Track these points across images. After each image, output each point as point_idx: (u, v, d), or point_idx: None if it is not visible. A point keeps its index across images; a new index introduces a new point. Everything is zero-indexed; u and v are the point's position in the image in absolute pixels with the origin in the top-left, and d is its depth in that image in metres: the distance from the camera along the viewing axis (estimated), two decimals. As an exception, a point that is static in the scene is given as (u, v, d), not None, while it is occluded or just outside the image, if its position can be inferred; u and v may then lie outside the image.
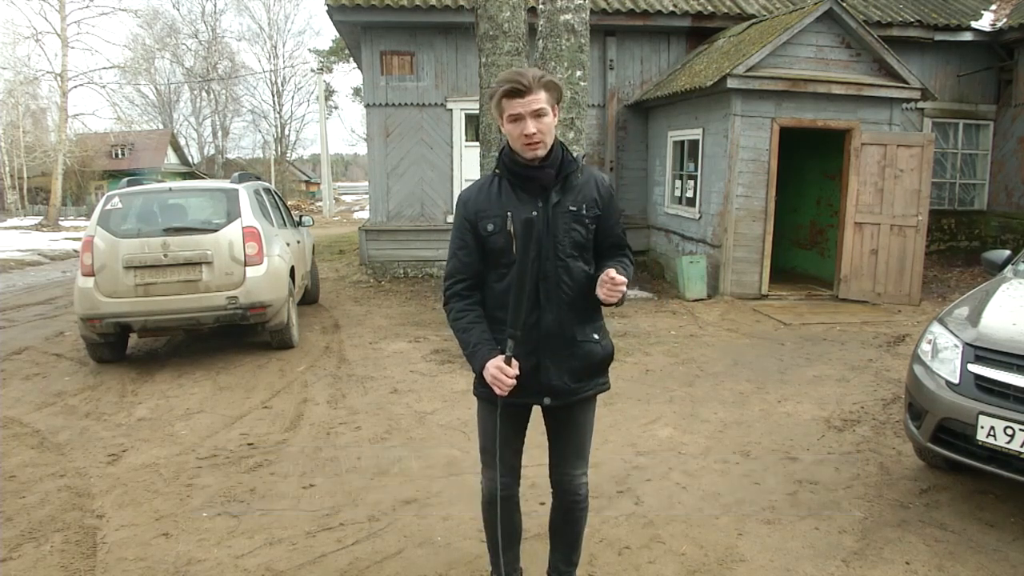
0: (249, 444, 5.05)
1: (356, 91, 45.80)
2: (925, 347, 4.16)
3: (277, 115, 54.91)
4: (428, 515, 3.96)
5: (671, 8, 12.19)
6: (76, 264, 8.61)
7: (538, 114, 2.45)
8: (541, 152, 2.52)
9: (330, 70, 46.51)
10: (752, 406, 5.69)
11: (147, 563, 3.55)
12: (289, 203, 9.39)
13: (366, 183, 17.56)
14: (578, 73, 7.22)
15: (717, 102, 9.97)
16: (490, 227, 2.59)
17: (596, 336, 2.68)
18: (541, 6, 7.35)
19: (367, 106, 12.72)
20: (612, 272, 2.44)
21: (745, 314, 9.06)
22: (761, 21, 11.40)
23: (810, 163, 11.58)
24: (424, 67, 12.25)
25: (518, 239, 2.53)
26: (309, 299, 10.09)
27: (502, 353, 2.51)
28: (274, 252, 7.39)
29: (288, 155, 58.24)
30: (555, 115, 2.54)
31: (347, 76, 67.62)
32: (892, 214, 9.66)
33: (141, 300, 6.85)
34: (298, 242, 8.96)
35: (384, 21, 11.84)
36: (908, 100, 10.21)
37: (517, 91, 2.43)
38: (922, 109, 12.64)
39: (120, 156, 46.22)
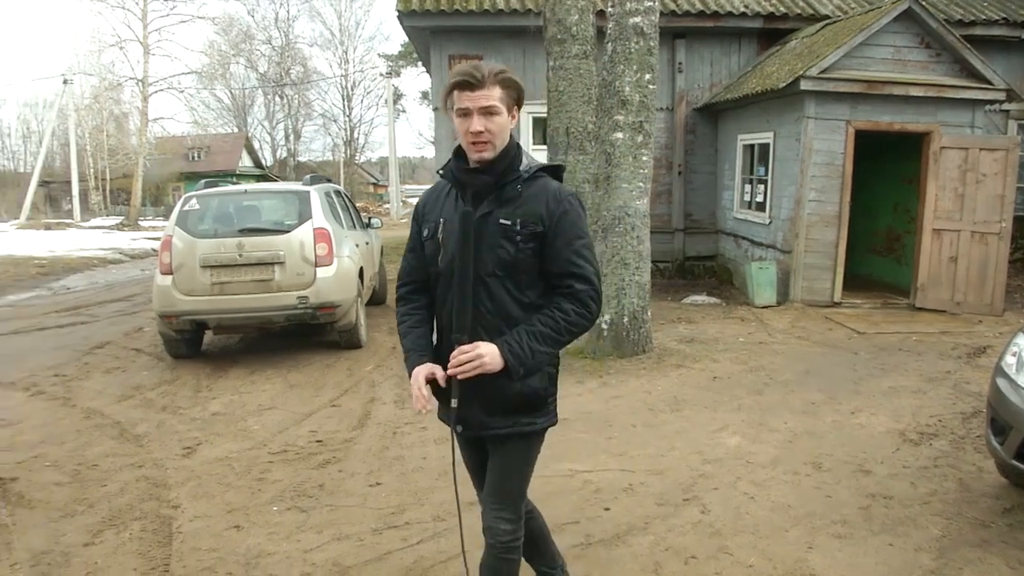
0: (318, 441, 5.15)
1: (424, 95, 46.39)
2: (1010, 359, 3.99)
3: (347, 119, 56.04)
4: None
5: (742, 9, 12.00)
6: (155, 262, 8.92)
7: (488, 111, 2.21)
8: (488, 154, 2.27)
9: (398, 74, 47.25)
10: (824, 416, 5.56)
11: (219, 554, 3.66)
12: (358, 205, 9.57)
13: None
14: (647, 76, 7.17)
15: (789, 105, 9.76)
16: (426, 232, 2.44)
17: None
18: (610, 9, 7.32)
19: (435, 109, 12.87)
20: (465, 345, 2.25)
21: (816, 322, 8.85)
22: (835, 22, 11.13)
23: (886, 167, 11.24)
24: (492, 71, 12.31)
25: (445, 247, 2.35)
26: (377, 300, 10.25)
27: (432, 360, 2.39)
28: (344, 253, 7.53)
29: (357, 158, 59.32)
30: (512, 116, 2.30)
31: (415, 80, 68.52)
32: (973, 220, 9.31)
33: (216, 298, 7.06)
34: (367, 243, 9.11)
35: (453, 26, 11.96)
36: (992, 102, 9.83)
37: (468, 84, 2.20)
38: (1007, 111, 12.14)
39: (197, 159, 47.76)
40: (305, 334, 8.46)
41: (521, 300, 2.32)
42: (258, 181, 37.19)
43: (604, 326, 7.19)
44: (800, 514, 3.96)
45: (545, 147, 10.93)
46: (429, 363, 2.41)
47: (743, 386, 6.33)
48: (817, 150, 9.42)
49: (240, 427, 5.54)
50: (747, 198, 11.44)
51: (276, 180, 38.46)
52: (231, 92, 52.52)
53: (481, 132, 2.22)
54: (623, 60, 7.14)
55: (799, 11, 12.21)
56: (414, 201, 56.80)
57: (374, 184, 63.88)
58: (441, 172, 2.43)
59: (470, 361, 2.24)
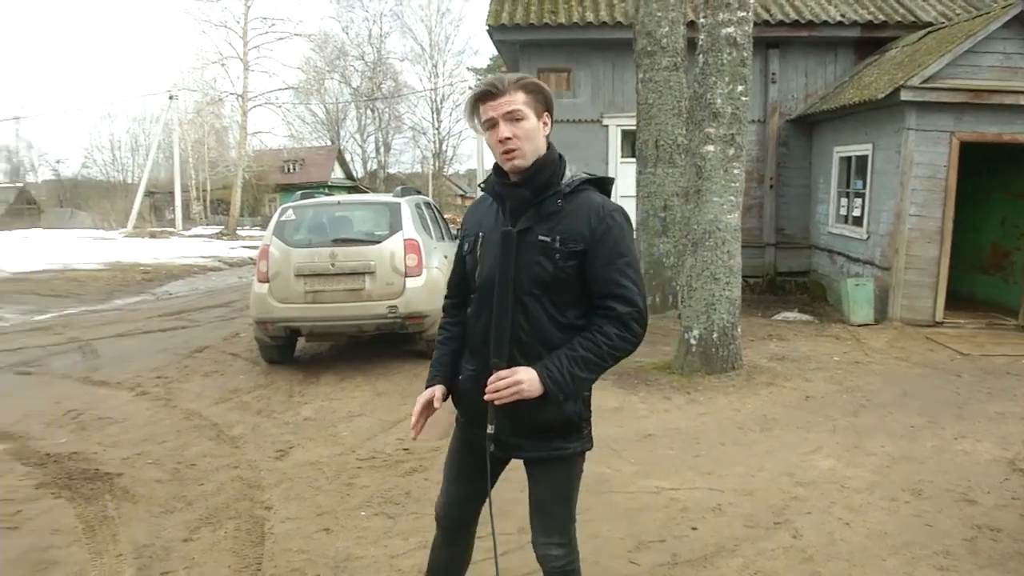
0: (405, 449, 5.23)
1: (512, 107, 46.68)
2: None
3: (436, 131, 56.95)
4: (577, 531, 3.93)
5: (839, 18, 11.67)
6: (252, 270, 9.27)
7: (513, 117, 2.16)
8: (519, 161, 2.19)
9: (487, 88, 47.66)
10: (924, 441, 5.31)
11: (309, 556, 3.75)
12: (446, 217, 9.71)
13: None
14: (739, 88, 7.04)
15: (889, 116, 9.42)
16: (466, 246, 2.40)
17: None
18: (702, 20, 7.22)
19: (523, 122, 12.93)
20: (504, 371, 2.17)
21: (916, 342, 8.48)
22: (939, 29, 10.70)
23: (993, 180, 10.71)
24: (580, 84, 12.34)
25: (482, 263, 2.29)
26: (463, 311, 10.34)
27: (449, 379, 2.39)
28: (433, 264, 7.65)
29: (445, 170, 60.21)
30: (544, 122, 2.23)
31: (503, 93, 69.15)
32: (1091, 237, 8.77)
33: (310, 306, 7.26)
34: (455, 255, 9.21)
35: (541, 39, 12.04)
36: (1112, 112, 9.26)
37: (490, 94, 2.16)
38: None
39: (291, 171, 49.41)
40: (394, 343, 8.61)
41: (560, 321, 2.23)
42: (349, 193, 38.19)
43: (693, 341, 7.07)
44: (898, 543, 3.79)
45: (634, 159, 10.88)
46: (441, 385, 2.40)
47: (837, 407, 6.11)
48: (918, 163, 9.06)
49: (330, 432, 5.68)
50: (843, 212, 11.08)
51: (367, 192, 39.40)
52: (325, 106, 54.21)
53: (509, 138, 2.16)
54: (715, 71, 7.03)
55: (899, 18, 11.78)
56: (500, 213, 57.25)
57: (462, 196, 64.67)
58: (482, 185, 2.38)
59: (508, 388, 2.16)
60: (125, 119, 72.24)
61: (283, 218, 7.70)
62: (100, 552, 3.79)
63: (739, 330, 7.21)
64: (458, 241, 2.51)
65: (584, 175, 2.29)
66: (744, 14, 7.01)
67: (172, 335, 9.81)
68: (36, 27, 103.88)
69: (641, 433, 5.51)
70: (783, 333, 9.06)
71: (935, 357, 7.80)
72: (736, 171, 7.09)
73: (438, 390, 2.39)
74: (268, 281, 7.35)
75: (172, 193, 38.84)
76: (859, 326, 9.29)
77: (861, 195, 10.34)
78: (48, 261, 19.12)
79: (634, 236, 2.30)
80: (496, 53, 18.93)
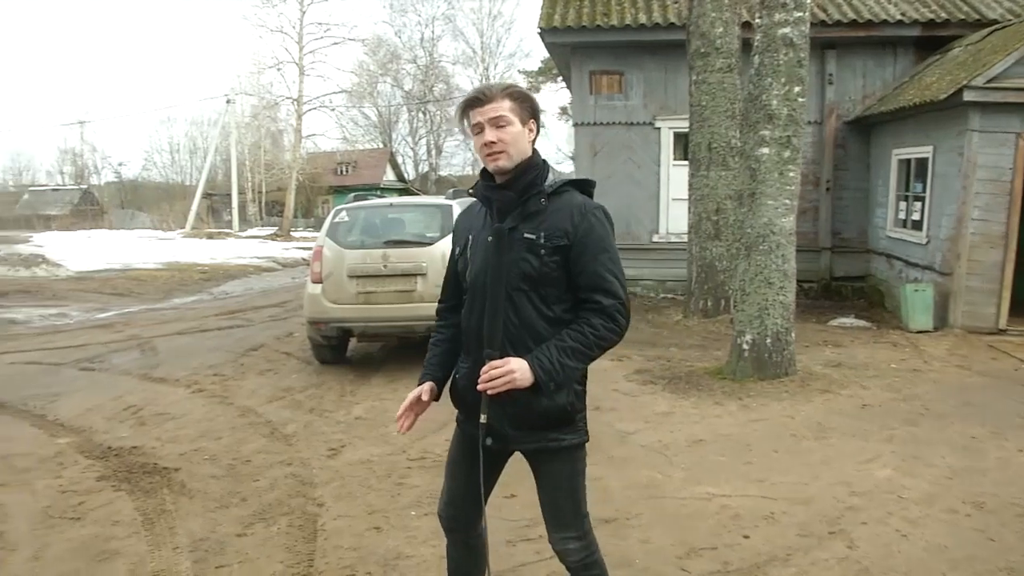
0: (454, 451, 5.25)
1: (563, 110, 46.68)
2: None
3: (486, 134, 57.10)
4: (627, 536, 3.92)
5: (898, 17, 11.38)
6: (305, 271, 9.39)
7: (497, 122, 2.28)
8: (503, 162, 2.31)
9: (538, 90, 47.67)
10: (987, 453, 5.14)
11: (360, 553, 3.79)
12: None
13: (570, 200, 17.83)
14: (796, 89, 6.92)
15: (951, 117, 9.16)
16: (457, 250, 2.53)
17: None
18: (757, 20, 7.12)
19: (575, 125, 12.92)
20: (496, 361, 2.26)
21: (978, 350, 8.23)
22: (1005, 27, 10.37)
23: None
24: (633, 86, 12.27)
25: (472, 263, 2.41)
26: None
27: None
28: (482, 266, 7.66)
29: (495, 173, 60.30)
30: (529, 129, 2.34)
31: (554, 95, 69.05)
32: None
33: (362, 307, 7.35)
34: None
35: (593, 41, 12.00)
36: None
37: (478, 100, 2.31)
38: None
39: (344, 173, 50.09)
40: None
41: (547, 315, 2.33)
42: (401, 195, 38.61)
43: (745, 346, 6.97)
44: (959, 557, 3.68)
45: (686, 162, 10.78)
46: (431, 383, 2.54)
47: (895, 416, 5.96)
48: (982, 165, 8.79)
49: (381, 432, 5.74)
50: (902, 216, 10.81)
51: (418, 194, 39.75)
52: (378, 109, 54.82)
53: (494, 142, 2.29)
54: (771, 73, 6.92)
55: (962, 16, 11.42)
56: (550, 215, 57.29)
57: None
58: (471, 191, 2.49)
59: (500, 376, 2.24)
60: (184, 123, 74.27)
61: (337, 220, 7.80)
62: (158, 544, 3.89)
63: (793, 335, 7.08)
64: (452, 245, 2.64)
65: (566, 178, 2.43)
66: (801, 14, 6.90)
67: (228, 334, 10.02)
68: (100, 35, 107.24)
69: (692, 438, 5.45)
70: (839, 339, 8.87)
71: (998, 366, 7.56)
72: (792, 174, 6.97)
73: (427, 386, 2.53)
74: (322, 282, 7.45)
75: (229, 195, 39.76)
76: (918, 333, 9.05)
77: (921, 199, 10.08)
78: (110, 261, 19.71)
79: (613, 234, 2.41)
80: (547, 56, 18.93)
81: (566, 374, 2.29)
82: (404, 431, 2.58)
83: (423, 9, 63.16)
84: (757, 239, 6.98)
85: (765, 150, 6.96)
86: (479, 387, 2.29)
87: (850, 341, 8.78)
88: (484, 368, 2.28)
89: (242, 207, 42.17)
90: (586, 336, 2.28)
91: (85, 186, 63.18)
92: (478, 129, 2.32)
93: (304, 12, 37.45)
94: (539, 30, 12.07)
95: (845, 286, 12.15)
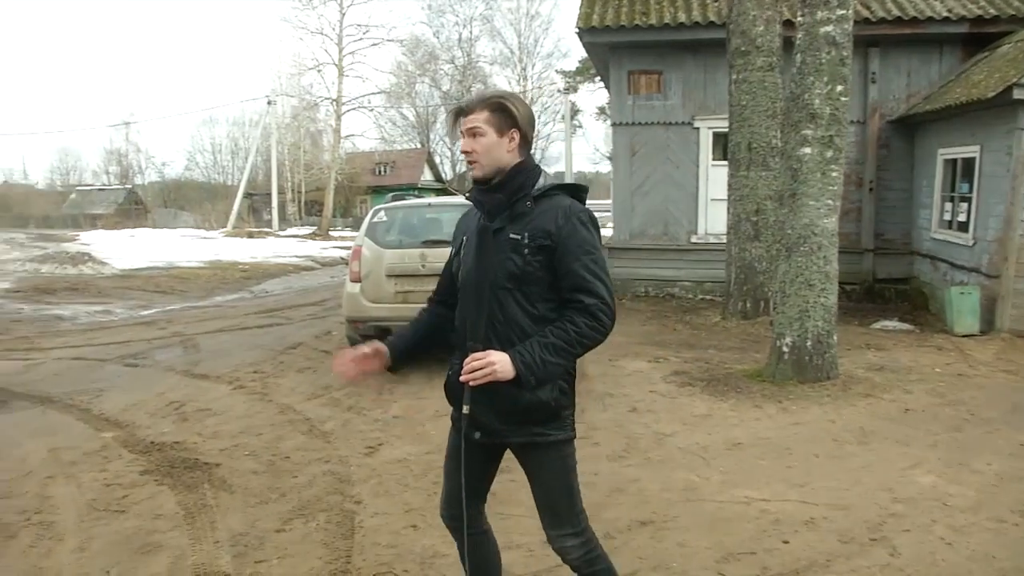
0: (491, 450, 5.26)
1: (601, 110, 46.55)
2: None
3: (524, 134, 57.10)
4: (664, 539, 3.89)
5: (944, 14, 11.13)
6: (343, 270, 9.49)
7: (473, 132, 2.40)
8: (478, 172, 2.44)
9: (575, 90, 47.61)
10: (1036, 460, 5.01)
11: (397, 551, 3.81)
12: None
13: (608, 201, 17.79)
14: (839, 88, 6.81)
15: (999, 116, 8.95)
16: (453, 250, 2.64)
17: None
18: (800, 18, 7.02)
19: (613, 125, 12.87)
20: (478, 353, 2.33)
21: (1027, 354, 8.02)
22: (1058, 24, 10.10)
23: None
24: (671, 85, 12.18)
25: (464, 262, 2.52)
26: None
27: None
28: (520, 266, 7.67)
29: (532, 172, 60.27)
30: (510, 139, 2.42)
31: (592, 95, 68.94)
32: None
33: (400, 306, 7.39)
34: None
35: (632, 41, 11.94)
36: None
37: (461, 110, 2.45)
38: None
39: (382, 173, 50.48)
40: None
41: (531, 312, 2.40)
42: (439, 195, 38.80)
43: (785, 349, 6.88)
44: (1007, 567, 3.59)
45: (725, 162, 10.67)
46: (380, 345, 2.58)
47: (940, 421, 5.84)
48: (1032, 166, 8.57)
49: (418, 431, 5.76)
50: (947, 217, 10.59)
51: (455, 193, 39.89)
52: (416, 110, 55.12)
53: (468, 152, 2.43)
54: (813, 71, 6.82)
55: (1012, 12, 11.11)
56: (586, 216, 57.20)
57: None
58: (468, 195, 2.62)
59: (481, 368, 2.31)
60: (226, 124, 75.40)
61: (375, 219, 7.86)
62: (199, 538, 3.96)
63: (835, 338, 6.97)
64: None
65: (555, 182, 2.51)
66: (844, 12, 6.79)
67: (267, 332, 10.16)
68: (145, 39, 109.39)
69: (730, 441, 5.39)
70: (881, 342, 8.71)
71: (1048, 371, 7.37)
72: (834, 174, 6.86)
73: (375, 345, 2.58)
74: (360, 281, 7.51)
75: (269, 195, 40.28)
76: (963, 336, 8.85)
77: (967, 199, 9.85)
78: (153, 259, 20.11)
79: (601, 237, 2.50)
80: (585, 56, 18.88)
81: (547, 369, 2.34)
82: (336, 371, 2.62)
83: (461, 10, 63.23)
84: (798, 240, 6.88)
85: (807, 150, 6.86)
86: (461, 378, 2.37)
87: (893, 345, 8.62)
88: (466, 360, 2.35)
89: (282, 207, 42.69)
90: (568, 334, 2.34)
91: (130, 186, 64.57)
92: (461, 135, 2.46)
93: (344, 14, 37.88)
94: (577, 30, 12.04)
95: (888, 288, 11.94)
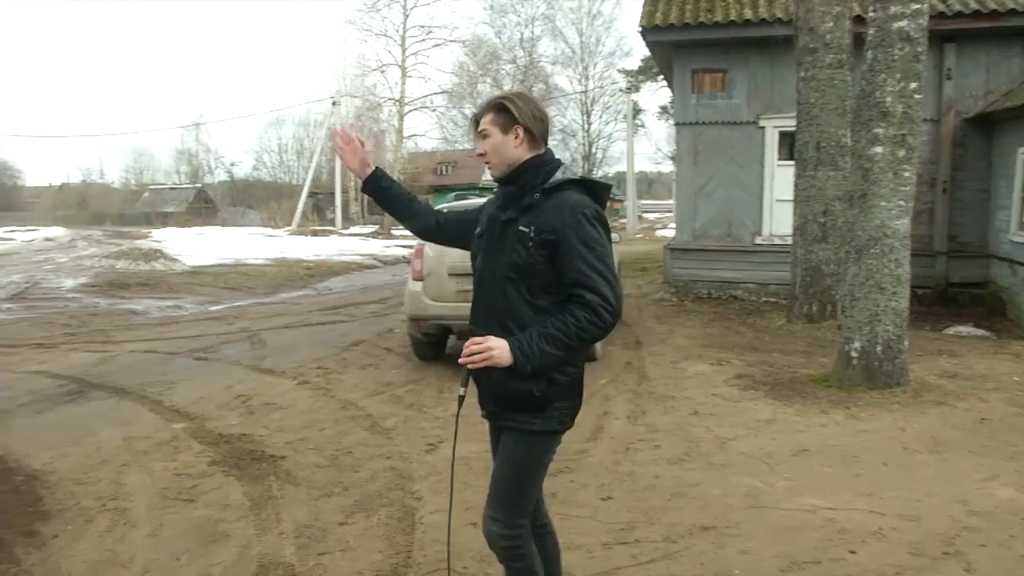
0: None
1: (663, 109, 46.08)
2: None
3: (585, 134, 56.93)
4: (726, 545, 3.82)
5: (1028, 7, 10.69)
6: (405, 269, 9.59)
7: (482, 134, 2.54)
8: (492, 171, 2.58)
9: (637, 89, 47.30)
10: (1123, 474, 4.78)
11: (456, 548, 3.81)
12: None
13: (669, 201, 17.61)
14: (912, 85, 6.60)
15: (1086, 114, 8.57)
16: (477, 230, 2.71)
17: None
18: (871, 14, 6.83)
19: (676, 125, 12.74)
20: (478, 339, 2.41)
21: (1113, 363, 7.65)
22: None
23: None
24: (736, 84, 11.99)
25: (478, 247, 2.64)
26: (612, 314, 10.24)
27: None
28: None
29: (595, 172, 60.08)
30: (511, 134, 2.51)
31: (654, 95, 68.31)
32: None
33: (461, 305, 7.40)
34: (604, 257, 9.17)
35: (696, 39, 11.79)
36: None
37: (477, 116, 2.59)
38: None
39: (444, 172, 50.88)
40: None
41: (533, 304, 2.46)
42: (498, 194, 38.84)
43: (854, 354, 6.70)
44: (1091, 585, 3.43)
45: (792, 162, 10.45)
46: (379, 172, 2.81)
47: (1018, 431, 5.60)
48: (1121, 166, 8.18)
49: (479, 429, 5.65)
50: (1027, 219, 10.17)
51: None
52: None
53: (481, 154, 2.58)
54: (885, 68, 6.62)
55: (1100, 5, 10.65)
56: (651, 216, 56.76)
57: (610, 199, 64.25)
58: (494, 189, 2.75)
59: (479, 352, 2.39)
60: (292, 124, 76.82)
61: (438, 219, 7.91)
62: (265, 529, 4.05)
63: (906, 343, 6.76)
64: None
65: (571, 176, 2.56)
66: (918, 6, 6.57)
67: (331, 328, 10.33)
68: (215, 42, 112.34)
69: (795, 447, 5.27)
70: (955, 349, 8.42)
71: None
72: (907, 174, 6.66)
73: (370, 162, 2.80)
74: (422, 279, 7.57)
75: (333, 194, 41.01)
76: (1044, 344, 8.50)
77: (1050, 201, 9.46)
78: (222, 256, 20.64)
79: (610, 235, 2.55)
80: (648, 54, 18.73)
81: (543, 359, 2.39)
82: (335, 134, 2.84)
83: (523, 9, 63.27)
84: (868, 242, 6.69)
85: (878, 149, 6.66)
86: (460, 361, 2.47)
87: (967, 351, 8.31)
88: (466, 343, 2.44)
89: (345, 205, 43.39)
90: (568, 326, 2.38)
91: (200, 185, 66.53)
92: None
93: (407, 16, 38.33)
94: (640, 29, 11.93)
95: (962, 293, 11.52)
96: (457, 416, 2.62)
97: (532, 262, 2.43)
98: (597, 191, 2.56)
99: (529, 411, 2.50)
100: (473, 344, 2.41)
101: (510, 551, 2.62)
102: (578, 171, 57.12)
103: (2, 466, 5.05)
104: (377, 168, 2.81)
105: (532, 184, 2.51)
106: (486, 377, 2.49)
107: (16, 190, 72.45)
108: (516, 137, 2.52)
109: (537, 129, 2.54)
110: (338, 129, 2.80)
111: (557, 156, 2.61)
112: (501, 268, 2.49)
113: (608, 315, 2.38)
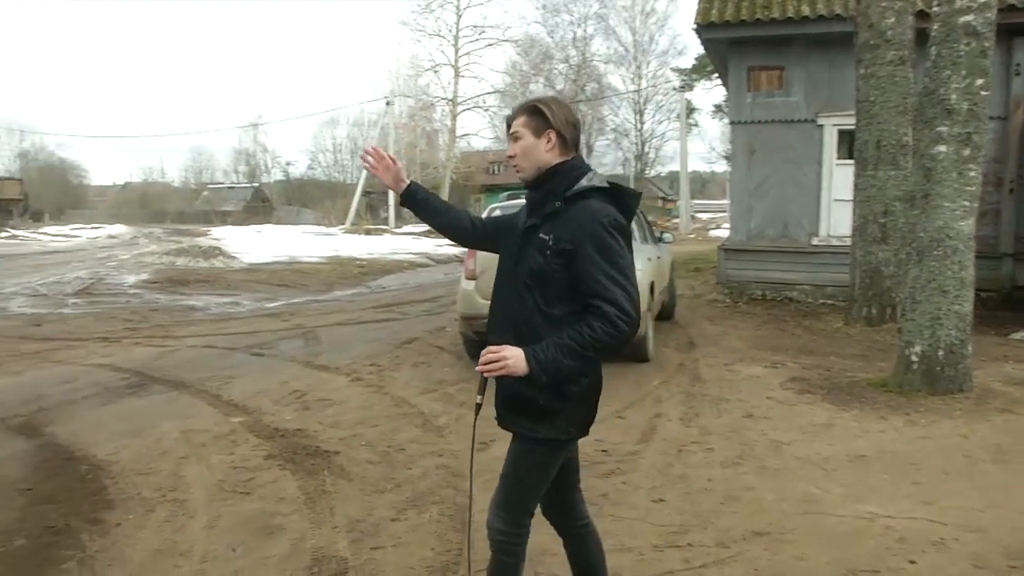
0: (603, 451, 5.22)
1: (717, 108, 45.54)
2: None
3: (638, 133, 56.61)
4: (780, 551, 3.76)
5: (1105, -1, 10.29)
6: (456, 267, 9.67)
7: (514, 137, 2.54)
8: (521, 174, 2.56)
9: (691, 88, 46.82)
10: None
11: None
12: (648, 219, 9.62)
13: (722, 201, 17.38)
14: (978, 81, 6.40)
15: None
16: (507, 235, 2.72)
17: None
18: (936, 8, 6.64)
19: (731, 123, 12.57)
20: (494, 347, 2.40)
21: None
22: None
23: None
24: (794, 82, 11.77)
25: (503, 251, 2.65)
26: (665, 315, 10.16)
27: None
28: (636, 265, 7.57)
29: (647, 172, 59.65)
30: (543, 138, 2.50)
31: (708, 94, 67.47)
32: None
33: (512, 304, 7.44)
34: (658, 258, 9.10)
35: (753, 36, 11.61)
36: None
37: (510, 118, 2.58)
38: None
39: (496, 172, 51.06)
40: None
41: (547, 312, 2.44)
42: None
43: (914, 358, 6.53)
44: None
45: (851, 161, 10.23)
46: (414, 186, 2.79)
47: (1089, 441, 5.40)
48: None
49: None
50: (1100, 221, 9.79)
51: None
52: (530, 109, 55.30)
53: (511, 156, 2.57)
54: (950, 64, 6.43)
55: None
56: (704, 216, 56.18)
57: (663, 199, 63.82)
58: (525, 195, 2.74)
59: (495, 361, 2.38)
60: (346, 124, 77.62)
61: (490, 218, 7.94)
62: (319, 523, 4.11)
63: (970, 348, 6.56)
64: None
65: (597, 184, 2.49)
66: (985, 0, 6.37)
67: (384, 326, 10.45)
68: (271, 44, 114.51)
69: (853, 453, 5.16)
70: (1021, 354, 8.14)
71: None
72: (972, 174, 6.46)
73: (404, 175, 2.78)
74: (475, 279, 7.61)
75: (386, 193, 41.35)
76: (1117, 350, 8.17)
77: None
78: (278, 254, 21.03)
79: (631, 244, 2.51)
80: (702, 52, 18.53)
81: (559, 369, 2.37)
82: (365, 153, 2.81)
83: (575, 8, 63.12)
84: (931, 243, 6.51)
85: (942, 148, 6.48)
86: (476, 368, 2.47)
87: (1036, 357, 8.04)
88: (483, 351, 2.44)
89: (398, 205, 43.72)
90: (583, 337, 2.35)
91: (257, 184, 67.92)
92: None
93: (460, 16, 38.57)
94: (695, 26, 11.81)
95: (1030, 296, 11.14)
96: (475, 424, 2.65)
97: (548, 270, 2.42)
98: (624, 199, 2.54)
99: (533, 418, 2.51)
100: (490, 352, 2.41)
101: (505, 546, 2.68)
102: (631, 171, 56.58)
103: (68, 456, 5.23)
104: (412, 182, 2.81)
105: (556, 191, 2.49)
106: (503, 384, 2.51)
107: (82, 189, 75.07)
108: (548, 141, 2.51)
109: (569, 134, 2.52)
110: (368, 148, 2.81)
111: (609, 156, 2.61)
112: (520, 274, 2.49)
113: (625, 326, 2.36)
